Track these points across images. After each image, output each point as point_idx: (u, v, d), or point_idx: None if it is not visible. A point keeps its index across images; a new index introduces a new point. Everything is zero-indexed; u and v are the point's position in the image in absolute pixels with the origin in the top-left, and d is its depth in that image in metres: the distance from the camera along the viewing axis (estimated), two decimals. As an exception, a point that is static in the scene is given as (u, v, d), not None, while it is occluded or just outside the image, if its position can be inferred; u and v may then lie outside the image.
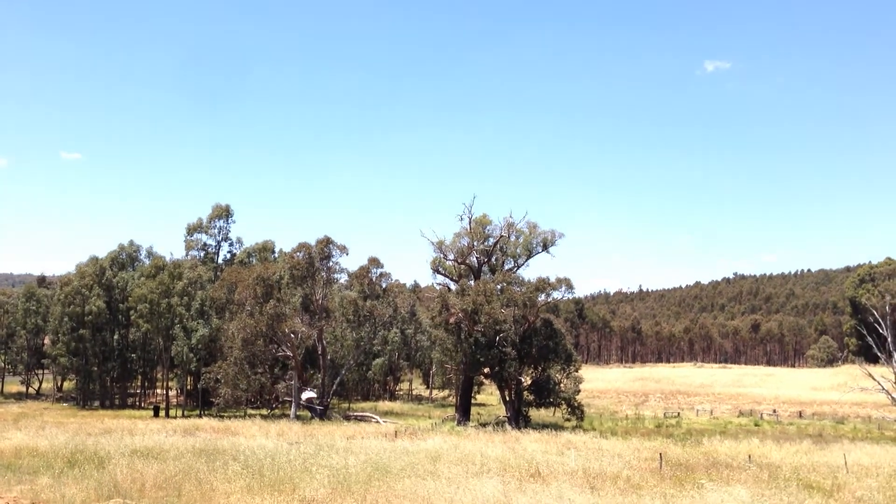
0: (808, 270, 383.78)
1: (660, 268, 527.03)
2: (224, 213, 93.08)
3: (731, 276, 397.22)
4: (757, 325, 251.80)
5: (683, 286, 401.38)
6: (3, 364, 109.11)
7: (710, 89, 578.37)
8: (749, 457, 29.32)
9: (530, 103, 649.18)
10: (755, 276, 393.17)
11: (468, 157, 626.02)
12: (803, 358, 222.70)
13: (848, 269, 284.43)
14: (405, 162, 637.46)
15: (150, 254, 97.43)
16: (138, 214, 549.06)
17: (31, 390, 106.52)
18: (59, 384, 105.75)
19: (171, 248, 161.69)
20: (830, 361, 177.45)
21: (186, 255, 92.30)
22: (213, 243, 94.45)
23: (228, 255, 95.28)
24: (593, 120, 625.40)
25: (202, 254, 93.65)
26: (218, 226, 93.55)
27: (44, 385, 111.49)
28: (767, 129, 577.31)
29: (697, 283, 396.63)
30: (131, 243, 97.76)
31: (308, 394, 21.99)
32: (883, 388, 52.82)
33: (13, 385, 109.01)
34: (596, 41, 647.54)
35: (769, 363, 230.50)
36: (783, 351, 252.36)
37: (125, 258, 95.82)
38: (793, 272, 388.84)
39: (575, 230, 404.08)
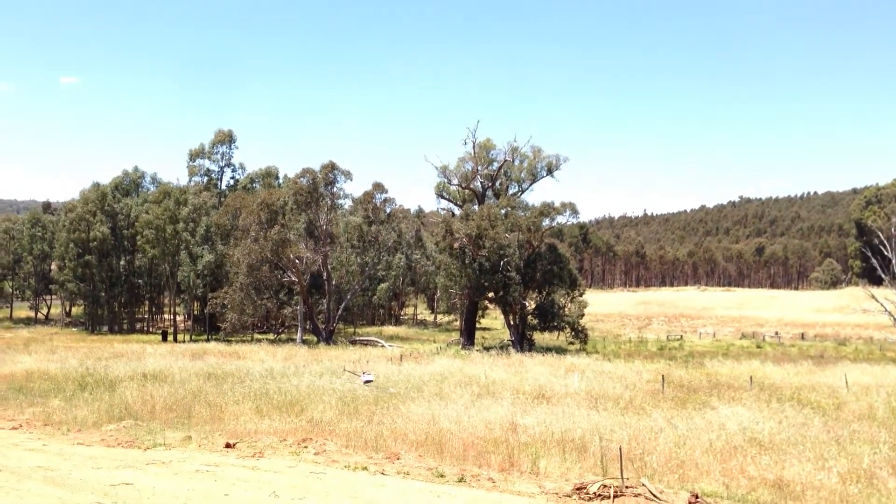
0: (815, 193, 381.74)
1: (665, 192, 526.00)
2: (227, 138, 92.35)
3: (737, 200, 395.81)
4: (761, 249, 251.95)
5: (688, 210, 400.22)
6: (11, 290, 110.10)
7: (715, 9, 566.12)
8: (751, 378, 29.64)
9: (533, 26, 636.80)
10: (761, 199, 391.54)
11: (472, 81, 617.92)
12: (807, 280, 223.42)
13: (854, 191, 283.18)
14: (409, 86, 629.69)
15: (154, 180, 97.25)
16: (139, 140, 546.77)
17: (39, 316, 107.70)
18: (67, 309, 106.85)
19: (174, 174, 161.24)
20: (834, 284, 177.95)
21: (189, 180, 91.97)
22: (216, 169, 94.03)
23: (231, 181, 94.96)
24: (597, 43, 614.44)
25: (205, 180, 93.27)
26: (221, 151, 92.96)
27: (52, 310, 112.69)
28: (774, 50, 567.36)
29: (702, 207, 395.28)
30: (136, 169, 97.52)
31: (367, 377, 22.04)
32: (885, 310, 53.13)
33: (22, 310, 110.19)
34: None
35: (773, 286, 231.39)
36: (787, 274, 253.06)
37: (129, 184, 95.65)
38: (799, 195, 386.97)
39: (580, 154, 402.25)
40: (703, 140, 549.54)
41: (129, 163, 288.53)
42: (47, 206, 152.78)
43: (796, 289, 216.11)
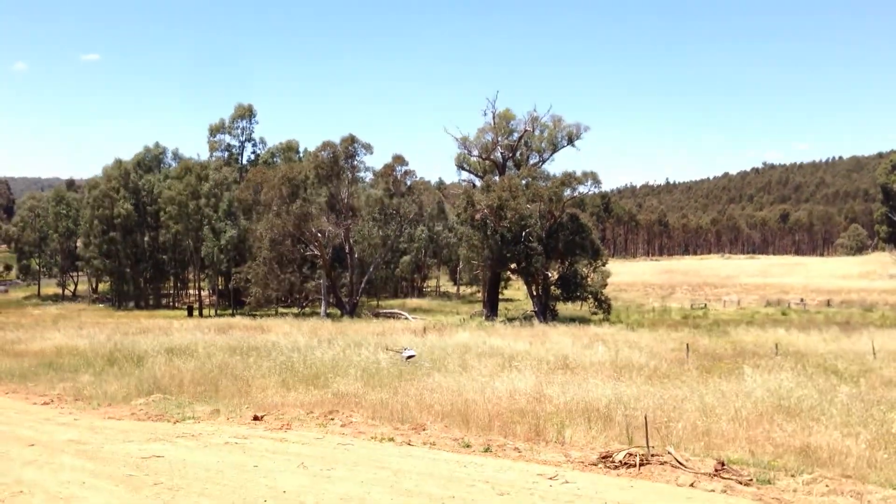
0: (840, 158, 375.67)
1: (688, 160, 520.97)
2: (247, 112, 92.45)
3: (761, 166, 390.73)
4: (786, 215, 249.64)
5: (711, 178, 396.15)
6: (38, 267, 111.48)
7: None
8: (776, 345, 29.50)
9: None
10: (785, 165, 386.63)
11: (492, 50, 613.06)
12: (832, 247, 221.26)
13: (881, 154, 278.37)
14: (428, 57, 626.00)
15: (175, 156, 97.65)
16: (160, 115, 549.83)
17: (67, 292, 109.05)
18: (94, 286, 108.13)
19: (195, 149, 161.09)
20: (860, 249, 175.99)
21: (210, 156, 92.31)
22: (237, 144, 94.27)
23: (252, 156, 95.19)
24: (616, 9, 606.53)
25: (226, 155, 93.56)
26: (241, 126, 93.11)
27: (79, 287, 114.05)
28: (797, 13, 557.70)
29: (726, 174, 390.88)
30: (157, 145, 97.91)
31: (408, 352, 22.06)
32: (912, 276, 52.52)
33: (50, 287, 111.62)
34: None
35: (797, 253, 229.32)
36: (812, 240, 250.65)
37: (150, 160, 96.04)
38: (824, 160, 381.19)
39: (601, 123, 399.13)
40: (726, 106, 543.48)
41: (149, 139, 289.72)
42: (71, 184, 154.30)
43: (821, 255, 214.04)
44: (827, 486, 9.64)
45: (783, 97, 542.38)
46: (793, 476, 10.23)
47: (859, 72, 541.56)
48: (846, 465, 11.07)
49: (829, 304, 76.15)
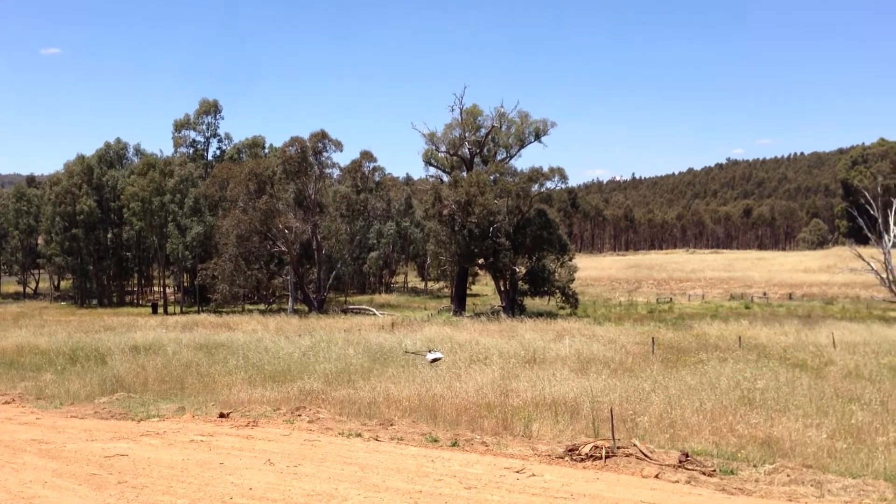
0: (801, 154, 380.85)
1: (653, 155, 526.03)
2: (212, 108, 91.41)
3: (725, 162, 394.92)
4: (749, 210, 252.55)
5: (676, 173, 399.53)
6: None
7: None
8: (739, 338, 29.89)
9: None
10: (748, 160, 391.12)
11: (458, 46, 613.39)
12: (794, 241, 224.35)
13: (841, 151, 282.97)
14: (395, 52, 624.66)
15: (138, 151, 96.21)
16: (123, 110, 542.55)
17: (28, 290, 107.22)
18: (55, 283, 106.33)
19: (159, 145, 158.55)
20: (821, 244, 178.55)
21: (175, 152, 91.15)
22: (202, 140, 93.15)
23: (218, 152, 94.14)
24: (584, 4, 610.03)
25: (191, 151, 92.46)
26: (206, 122, 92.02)
27: (41, 285, 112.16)
28: (760, 9, 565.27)
29: (690, 170, 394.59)
30: (118, 141, 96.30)
31: (433, 355, 21.81)
32: (872, 269, 53.63)
33: (10, 285, 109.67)
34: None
35: (760, 247, 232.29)
36: (774, 235, 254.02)
37: (113, 156, 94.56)
38: (786, 156, 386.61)
39: (567, 119, 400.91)
40: (691, 102, 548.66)
41: (111, 134, 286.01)
42: (31, 180, 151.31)
43: (784, 249, 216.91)
44: (788, 475, 9.81)
45: (748, 93, 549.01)
46: (755, 466, 10.40)
47: (820, 69, 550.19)
48: (807, 455, 11.28)
49: (790, 297, 77.23)
